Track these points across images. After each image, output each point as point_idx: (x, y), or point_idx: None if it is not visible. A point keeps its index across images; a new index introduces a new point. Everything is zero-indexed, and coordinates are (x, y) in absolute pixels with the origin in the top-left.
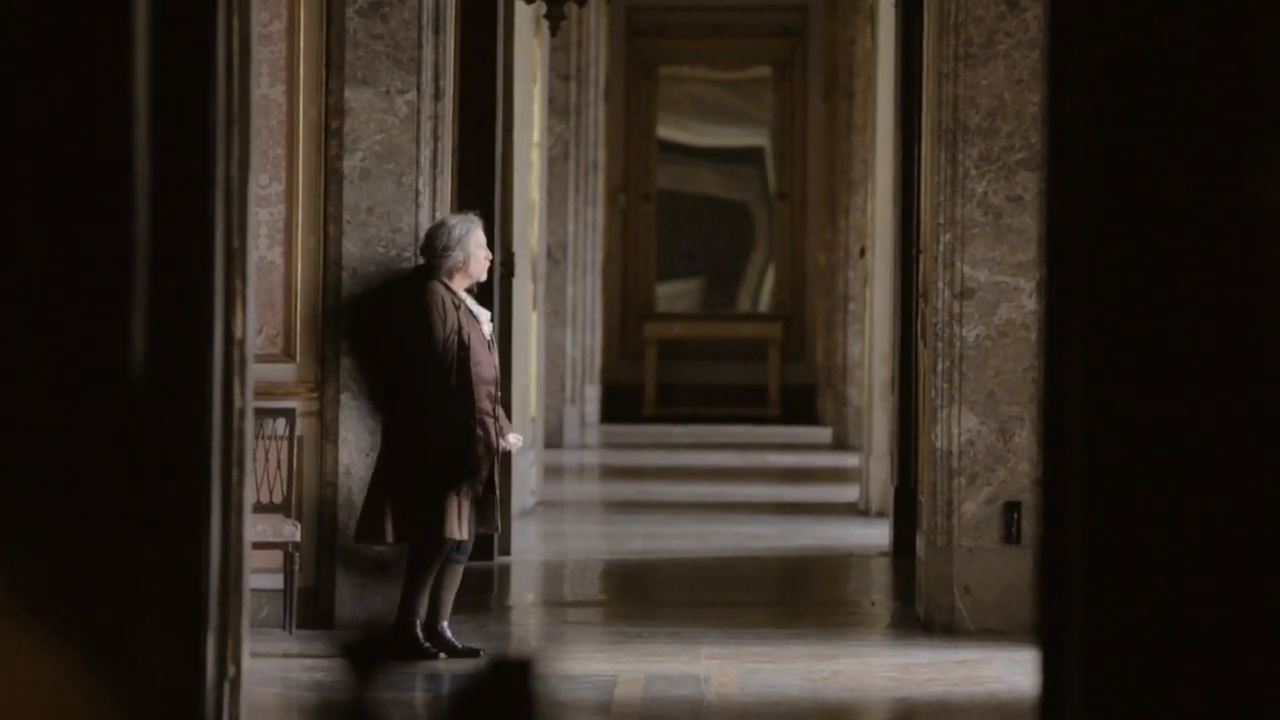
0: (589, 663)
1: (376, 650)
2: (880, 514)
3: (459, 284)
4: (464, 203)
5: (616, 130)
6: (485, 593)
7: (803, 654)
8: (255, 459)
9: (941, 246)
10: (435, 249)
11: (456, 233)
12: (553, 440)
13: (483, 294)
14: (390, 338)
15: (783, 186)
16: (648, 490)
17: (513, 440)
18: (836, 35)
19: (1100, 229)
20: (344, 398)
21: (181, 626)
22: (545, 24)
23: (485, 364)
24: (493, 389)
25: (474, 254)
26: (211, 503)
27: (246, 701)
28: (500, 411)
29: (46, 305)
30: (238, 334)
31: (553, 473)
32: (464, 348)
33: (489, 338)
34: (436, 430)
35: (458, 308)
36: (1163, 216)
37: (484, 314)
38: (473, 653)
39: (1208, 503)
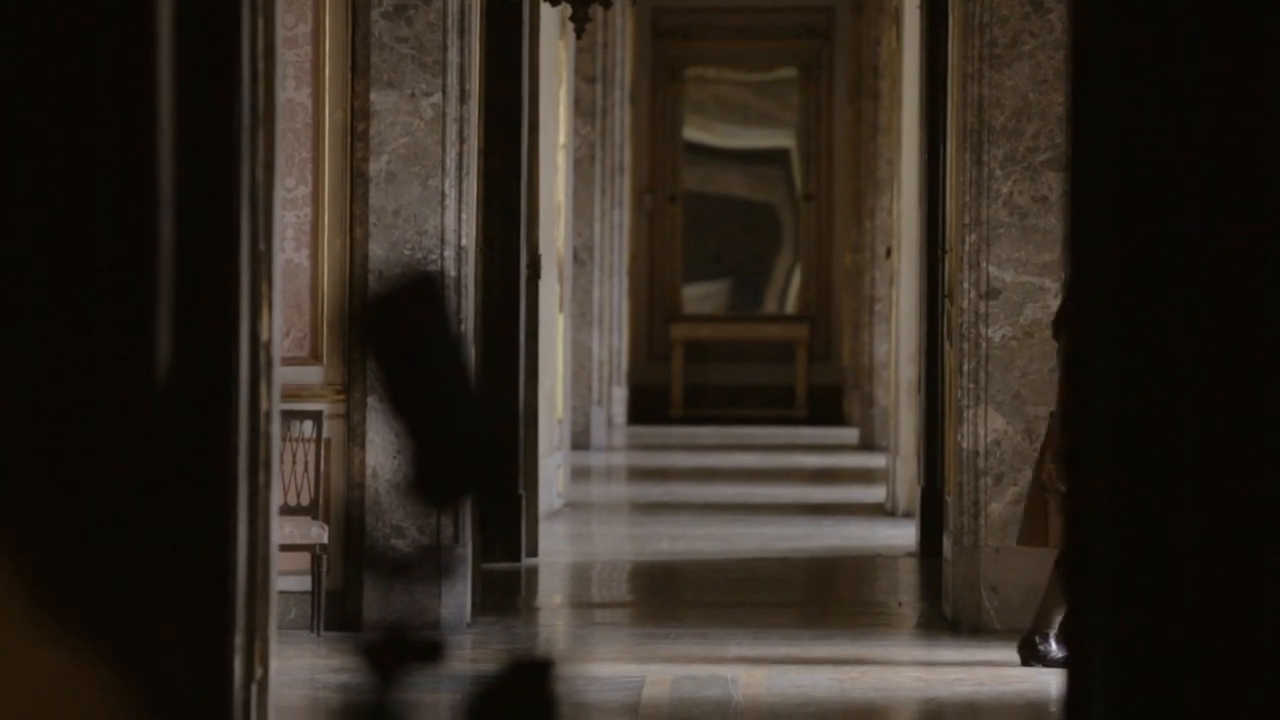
0: (616, 664)
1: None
2: (907, 514)
3: None
4: (490, 205)
5: (642, 132)
6: (513, 594)
7: (830, 654)
8: (282, 461)
9: (967, 247)
10: None
11: None
12: (580, 442)
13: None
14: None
15: (809, 188)
16: (675, 491)
17: None
18: (862, 36)
19: (1124, 229)
20: (370, 400)
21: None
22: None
23: None
24: None
25: None
26: (238, 505)
27: (274, 703)
28: None
29: (71, 309)
30: (264, 337)
31: (580, 474)
32: None
33: None
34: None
35: None
36: (1187, 216)
37: None
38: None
39: (1234, 502)
